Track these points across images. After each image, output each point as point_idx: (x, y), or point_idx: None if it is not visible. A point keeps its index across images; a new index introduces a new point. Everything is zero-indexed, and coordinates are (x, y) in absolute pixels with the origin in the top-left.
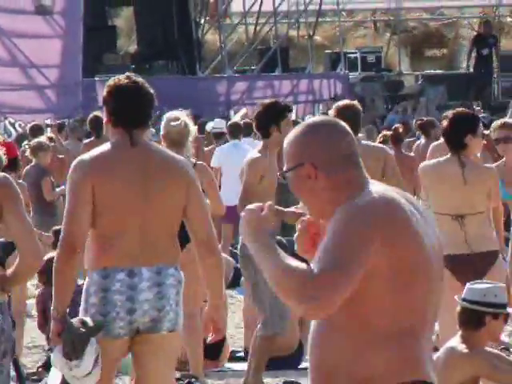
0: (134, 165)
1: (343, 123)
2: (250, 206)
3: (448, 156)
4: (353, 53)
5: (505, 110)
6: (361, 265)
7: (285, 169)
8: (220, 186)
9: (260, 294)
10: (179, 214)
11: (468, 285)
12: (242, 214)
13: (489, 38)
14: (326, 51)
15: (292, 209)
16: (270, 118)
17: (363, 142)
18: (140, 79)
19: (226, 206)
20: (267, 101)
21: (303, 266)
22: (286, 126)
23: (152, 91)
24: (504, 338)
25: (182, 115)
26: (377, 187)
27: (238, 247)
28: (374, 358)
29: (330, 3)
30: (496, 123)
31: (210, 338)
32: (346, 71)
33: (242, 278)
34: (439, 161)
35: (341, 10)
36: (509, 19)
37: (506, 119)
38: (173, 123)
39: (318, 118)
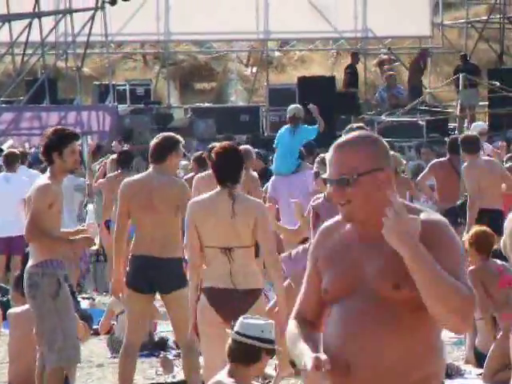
0: None
1: None
2: (400, 213)
3: (218, 189)
4: (122, 85)
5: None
6: None
7: (356, 172)
8: None
9: (48, 325)
10: None
11: (242, 319)
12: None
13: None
14: (95, 83)
15: None
16: (52, 145)
17: None
18: None
19: None
20: (53, 127)
21: (460, 283)
22: (70, 153)
23: None
24: (269, 371)
25: None
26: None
27: (25, 276)
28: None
29: (98, 35)
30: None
31: None
32: (115, 103)
33: (8, 311)
34: (210, 194)
35: (109, 42)
36: (277, 53)
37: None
38: None
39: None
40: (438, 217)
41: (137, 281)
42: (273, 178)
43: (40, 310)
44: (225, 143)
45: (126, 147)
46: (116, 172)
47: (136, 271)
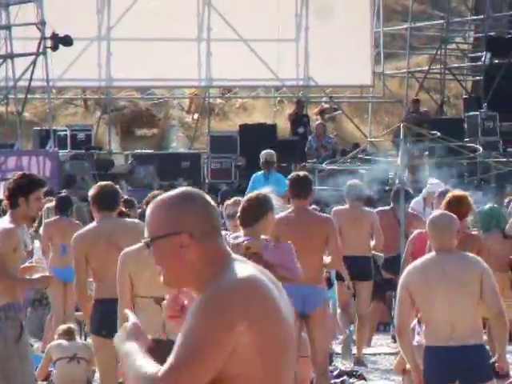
0: None
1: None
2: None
3: None
4: (63, 130)
5: (215, 191)
6: (217, 354)
7: (152, 235)
8: None
9: (10, 368)
10: None
11: None
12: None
13: (303, 117)
14: (35, 128)
15: None
16: (19, 190)
17: None
18: None
19: None
20: (21, 172)
21: (155, 367)
22: (35, 200)
23: None
24: None
25: None
26: (240, 264)
27: None
28: None
29: (39, 80)
30: (233, 199)
31: None
32: (56, 148)
33: None
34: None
35: (51, 88)
36: (219, 100)
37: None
38: None
39: (186, 188)
40: (214, 289)
41: (104, 326)
42: None
43: (2, 353)
44: (158, 192)
45: (64, 193)
46: (54, 217)
47: (102, 316)
